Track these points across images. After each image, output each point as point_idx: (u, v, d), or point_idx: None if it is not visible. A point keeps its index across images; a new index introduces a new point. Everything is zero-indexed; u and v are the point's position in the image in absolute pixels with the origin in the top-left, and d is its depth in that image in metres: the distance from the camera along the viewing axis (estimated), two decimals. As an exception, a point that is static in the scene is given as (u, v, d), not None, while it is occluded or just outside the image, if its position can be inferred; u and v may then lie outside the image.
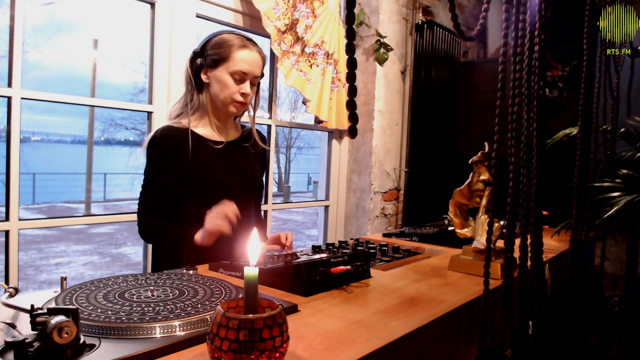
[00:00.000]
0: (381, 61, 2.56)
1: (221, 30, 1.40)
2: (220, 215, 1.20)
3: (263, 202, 2.31)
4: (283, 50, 2.13)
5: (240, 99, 1.36)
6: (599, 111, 1.35)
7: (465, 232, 1.27)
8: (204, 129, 1.40)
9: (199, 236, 1.24)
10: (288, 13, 2.13)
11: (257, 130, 1.53)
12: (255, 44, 1.39)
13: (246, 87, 1.37)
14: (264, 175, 1.57)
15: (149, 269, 1.90)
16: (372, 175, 2.63)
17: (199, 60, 1.36)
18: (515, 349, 0.88)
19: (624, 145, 1.78)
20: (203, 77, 1.37)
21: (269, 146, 1.59)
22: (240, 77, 1.35)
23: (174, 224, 1.34)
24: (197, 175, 1.33)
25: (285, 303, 0.85)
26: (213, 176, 1.35)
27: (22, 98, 1.53)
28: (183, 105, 1.40)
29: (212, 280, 0.93)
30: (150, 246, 1.88)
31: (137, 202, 1.36)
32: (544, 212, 1.76)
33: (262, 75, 1.43)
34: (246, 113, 1.50)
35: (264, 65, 1.42)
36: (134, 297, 0.80)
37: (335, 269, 1.00)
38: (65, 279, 0.84)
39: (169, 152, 1.32)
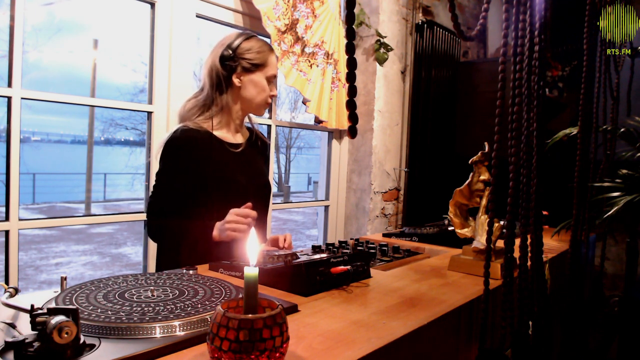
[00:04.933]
0: (381, 61, 2.56)
1: (241, 33, 1.41)
2: (240, 220, 1.21)
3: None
4: (283, 50, 2.13)
5: (270, 100, 1.44)
6: (599, 111, 1.36)
7: (465, 232, 1.27)
8: (222, 132, 1.40)
9: (216, 233, 1.24)
10: (288, 13, 2.13)
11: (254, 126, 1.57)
12: None
13: (275, 88, 1.45)
14: (267, 169, 1.59)
15: (150, 269, 1.90)
16: (372, 175, 2.63)
17: (232, 64, 1.35)
18: (515, 349, 0.88)
19: (624, 145, 1.78)
20: (235, 80, 1.37)
21: (269, 142, 1.61)
22: (271, 80, 1.42)
23: (186, 220, 1.32)
24: (217, 179, 1.33)
25: (285, 303, 0.85)
26: (232, 179, 1.35)
27: (22, 98, 1.53)
28: (201, 105, 1.38)
29: (212, 280, 0.93)
30: (150, 246, 1.88)
31: (148, 201, 1.34)
32: (544, 212, 1.76)
33: None
34: None
35: None
36: (134, 297, 0.80)
37: (335, 269, 1.00)
38: (65, 279, 0.84)
39: (187, 155, 1.31)
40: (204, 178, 1.31)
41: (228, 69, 1.36)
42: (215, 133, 1.37)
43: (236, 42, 1.37)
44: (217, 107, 1.38)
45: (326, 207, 2.72)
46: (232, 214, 1.22)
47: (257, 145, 1.52)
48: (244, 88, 1.38)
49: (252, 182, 1.41)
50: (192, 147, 1.31)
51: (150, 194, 1.35)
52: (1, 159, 1.74)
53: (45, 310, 0.59)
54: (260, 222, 1.51)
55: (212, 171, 1.32)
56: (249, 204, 1.25)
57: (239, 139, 1.45)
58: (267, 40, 2.11)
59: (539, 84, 0.87)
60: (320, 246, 1.38)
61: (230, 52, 1.35)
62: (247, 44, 1.37)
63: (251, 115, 1.50)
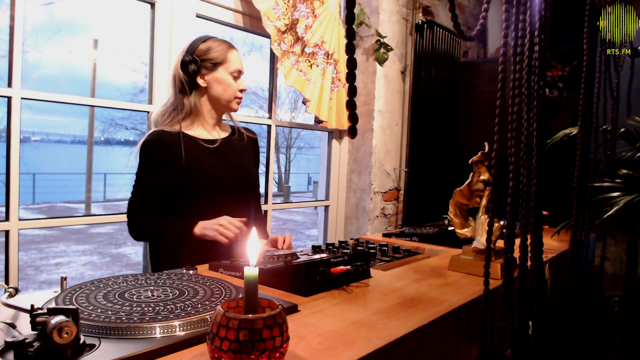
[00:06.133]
0: (381, 61, 2.56)
1: (199, 37, 1.44)
2: (230, 228, 1.27)
3: (263, 202, 2.31)
4: (283, 50, 2.13)
5: (240, 95, 1.46)
6: (599, 111, 1.35)
7: (465, 232, 1.27)
8: (196, 130, 1.43)
9: (199, 230, 1.28)
10: (288, 13, 2.13)
11: (240, 125, 1.59)
12: None
13: (243, 83, 1.46)
14: (258, 166, 1.61)
15: (149, 269, 1.90)
16: (372, 175, 2.63)
17: (192, 67, 1.40)
18: (515, 349, 0.88)
19: (624, 145, 1.78)
20: (200, 81, 1.41)
21: (256, 136, 1.63)
22: (237, 75, 1.44)
23: (168, 218, 1.36)
24: (194, 175, 1.35)
25: (285, 303, 0.85)
26: (209, 174, 1.37)
27: (22, 98, 1.53)
28: (171, 111, 1.42)
29: (212, 280, 0.93)
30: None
31: (128, 200, 1.38)
32: (544, 212, 1.76)
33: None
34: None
35: None
36: (134, 297, 0.80)
37: (335, 269, 1.00)
38: (65, 279, 0.84)
39: (161, 155, 1.34)
40: (180, 174, 1.34)
41: (191, 73, 1.40)
42: (189, 132, 1.41)
43: (193, 46, 1.42)
44: (186, 110, 1.42)
45: (326, 207, 2.72)
46: (226, 219, 1.29)
47: (242, 141, 1.54)
48: (210, 87, 1.42)
49: (232, 176, 1.42)
50: (165, 145, 1.35)
51: (130, 194, 1.39)
52: (1, 159, 1.74)
53: (45, 310, 0.59)
54: (255, 214, 1.54)
55: (187, 166, 1.34)
56: (244, 219, 1.32)
57: (214, 135, 1.47)
58: (267, 40, 2.11)
59: (539, 84, 0.87)
60: (320, 246, 1.38)
61: (190, 56, 1.40)
62: (204, 45, 1.41)
63: (232, 114, 1.53)
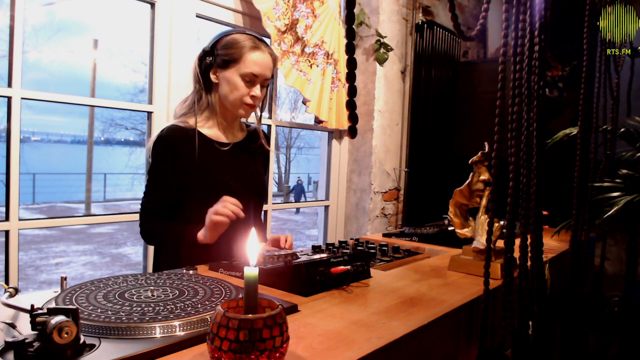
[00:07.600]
0: (381, 61, 2.56)
1: (232, 29, 1.37)
2: (220, 209, 1.17)
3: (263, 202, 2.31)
4: (283, 50, 2.13)
5: (249, 101, 1.34)
6: (599, 111, 1.35)
7: (465, 232, 1.27)
8: (210, 130, 1.38)
9: (201, 234, 1.22)
10: (288, 13, 2.13)
11: (262, 130, 1.51)
12: (267, 45, 1.37)
13: (256, 89, 1.34)
14: (266, 175, 1.55)
15: (149, 269, 1.90)
16: (372, 175, 2.63)
17: (208, 59, 1.33)
18: (515, 349, 0.88)
19: (624, 145, 1.78)
20: (212, 76, 1.34)
21: (269, 150, 1.57)
22: (250, 79, 1.32)
23: (175, 223, 1.33)
24: (202, 176, 1.32)
25: (285, 303, 0.85)
26: (217, 178, 1.33)
27: (22, 98, 1.53)
28: (190, 104, 1.37)
29: (212, 280, 0.93)
30: (149, 246, 1.88)
31: (140, 201, 1.34)
32: (544, 212, 1.76)
33: (272, 77, 1.41)
34: (253, 113, 1.48)
35: (274, 67, 1.39)
36: (134, 297, 0.80)
37: (335, 269, 1.00)
38: (65, 279, 0.84)
39: (174, 151, 1.30)
40: (190, 174, 1.30)
41: (206, 65, 1.33)
42: (204, 131, 1.35)
43: (218, 37, 1.34)
44: (203, 105, 1.36)
45: (326, 207, 2.72)
46: (219, 201, 1.20)
47: (255, 148, 1.47)
48: (220, 85, 1.34)
49: (240, 181, 1.37)
50: (178, 143, 1.30)
51: (143, 193, 1.35)
52: (1, 159, 1.74)
53: (45, 310, 0.59)
54: (255, 222, 1.50)
55: (196, 167, 1.30)
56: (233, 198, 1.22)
57: (229, 138, 1.41)
58: (267, 40, 2.11)
59: (539, 84, 0.87)
60: (320, 246, 1.38)
61: (209, 47, 1.33)
62: (228, 38, 1.32)
63: (258, 117, 1.47)
